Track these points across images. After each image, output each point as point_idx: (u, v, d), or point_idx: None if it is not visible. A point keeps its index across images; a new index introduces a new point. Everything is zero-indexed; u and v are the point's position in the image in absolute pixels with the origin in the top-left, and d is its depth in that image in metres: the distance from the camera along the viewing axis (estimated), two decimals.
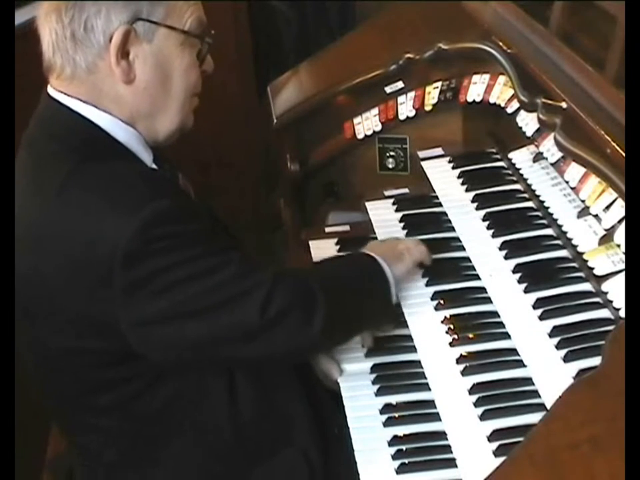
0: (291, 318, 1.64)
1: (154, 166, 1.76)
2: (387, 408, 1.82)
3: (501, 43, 2.17)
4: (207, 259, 1.59)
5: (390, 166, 2.49)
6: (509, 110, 2.16)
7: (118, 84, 1.67)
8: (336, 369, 1.90)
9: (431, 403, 1.77)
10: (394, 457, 1.73)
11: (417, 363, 1.85)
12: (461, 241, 2.03)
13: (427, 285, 1.97)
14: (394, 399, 1.84)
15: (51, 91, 1.72)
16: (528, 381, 1.68)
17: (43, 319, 1.67)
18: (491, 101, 2.23)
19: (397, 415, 1.81)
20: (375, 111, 2.43)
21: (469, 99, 2.29)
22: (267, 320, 1.60)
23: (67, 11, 1.64)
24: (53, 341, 1.68)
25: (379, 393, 1.86)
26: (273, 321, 1.61)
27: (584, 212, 1.85)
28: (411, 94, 2.39)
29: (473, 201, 2.10)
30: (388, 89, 2.41)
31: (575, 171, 1.86)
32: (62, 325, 1.65)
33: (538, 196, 2.01)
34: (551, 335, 1.69)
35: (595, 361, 1.47)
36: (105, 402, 1.72)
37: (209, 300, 1.58)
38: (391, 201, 2.31)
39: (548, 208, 1.96)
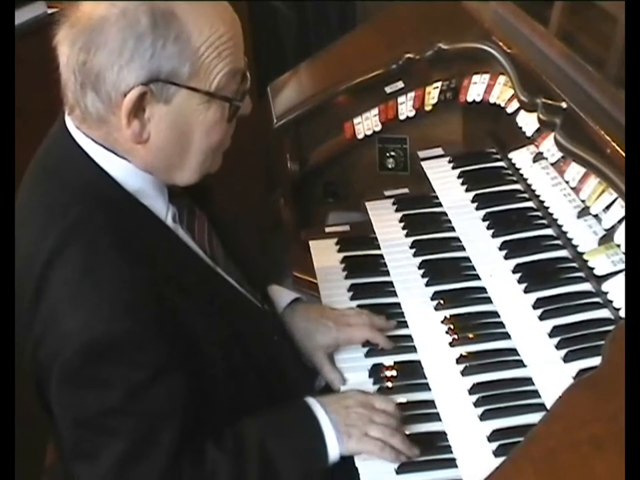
0: None
1: (169, 208, 1.63)
2: None
3: (500, 43, 2.17)
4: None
5: (390, 166, 2.49)
6: (509, 110, 2.16)
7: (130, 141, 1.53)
8: (338, 379, 1.89)
9: (430, 403, 1.76)
10: None
11: (417, 363, 1.85)
12: (460, 241, 2.03)
13: (427, 284, 1.97)
14: (394, 399, 1.84)
15: (68, 121, 1.58)
16: (528, 380, 1.68)
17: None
18: (491, 101, 2.23)
19: None
20: (375, 111, 2.42)
21: (469, 99, 2.29)
22: None
23: (79, 51, 1.47)
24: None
25: (379, 393, 1.85)
26: None
27: (584, 212, 1.85)
28: (411, 94, 2.38)
29: (473, 201, 2.10)
30: (388, 89, 2.41)
31: (574, 171, 1.87)
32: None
33: (538, 196, 2.01)
34: (551, 335, 1.69)
35: (595, 360, 1.46)
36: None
37: None
38: (391, 201, 2.31)
39: (548, 208, 1.96)
